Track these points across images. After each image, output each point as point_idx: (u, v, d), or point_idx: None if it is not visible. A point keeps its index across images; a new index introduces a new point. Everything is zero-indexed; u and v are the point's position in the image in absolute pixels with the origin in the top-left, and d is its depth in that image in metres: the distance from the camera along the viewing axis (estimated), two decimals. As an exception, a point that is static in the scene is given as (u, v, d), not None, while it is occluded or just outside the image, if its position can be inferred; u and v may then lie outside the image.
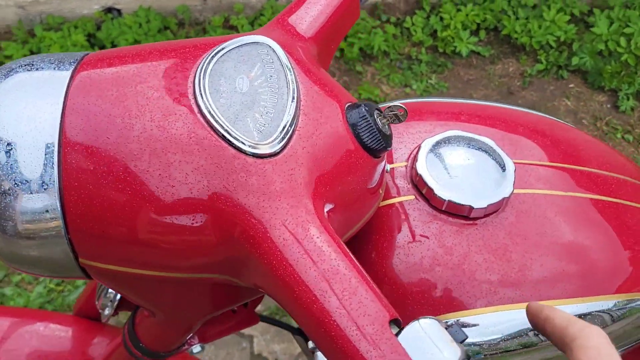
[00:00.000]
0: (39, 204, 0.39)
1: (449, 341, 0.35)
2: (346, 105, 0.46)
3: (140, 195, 0.39)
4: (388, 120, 0.46)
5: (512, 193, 0.53)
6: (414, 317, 0.52)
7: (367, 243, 0.53)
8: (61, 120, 0.39)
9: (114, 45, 1.99)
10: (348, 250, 0.39)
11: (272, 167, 0.40)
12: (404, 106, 0.46)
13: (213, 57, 0.43)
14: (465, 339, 0.35)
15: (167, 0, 2.09)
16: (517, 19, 2.29)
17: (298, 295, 0.37)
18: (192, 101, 0.40)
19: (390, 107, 0.46)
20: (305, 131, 0.42)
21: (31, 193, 0.39)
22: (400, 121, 0.47)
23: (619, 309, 0.55)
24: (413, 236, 0.52)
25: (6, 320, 0.84)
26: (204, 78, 0.41)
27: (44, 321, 0.85)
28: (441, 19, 2.27)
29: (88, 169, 0.39)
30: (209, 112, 0.40)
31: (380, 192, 0.50)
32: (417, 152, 0.55)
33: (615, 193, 0.61)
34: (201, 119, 0.40)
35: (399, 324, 0.36)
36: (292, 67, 0.44)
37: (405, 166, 0.56)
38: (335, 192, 0.43)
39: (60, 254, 0.42)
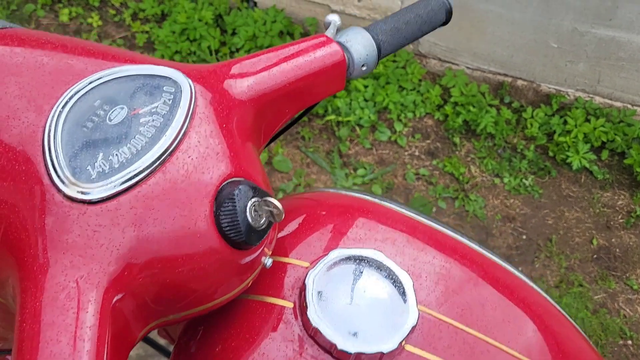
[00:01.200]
0: None
1: None
2: (229, 180, 0.40)
3: None
4: (263, 214, 0.40)
5: (395, 350, 0.44)
6: None
7: (221, 332, 0.47)
8: None
9: (234, 34, 2.05)
10: (106, 336, 0.33)
11: (77, 216, 0.35)
12: (280, 206, 0.39)
13: (107, 77, 0.39)
14: None
15: (300, 9, 2.12)
16: (651, 153, 2.05)
17: (22, 340, 0.32)
18: (46, 113, 0.37)
19: (266, 201, 0.39)
20: (150, 191, 0.37)
21: None
22: (275, 220, 0.40)
23: None
24: (264, 348, 0.45)
25: None
26: (75, 95, 0.38)
27: None
28: (565, 122, 2.09)
29: None
30: (48, 132, 0.36)
31: (241, 284, 0.43)
32: (320, 259, 0.47)
33: None
34: (39, 135, 0.36)
35: None
36: (190, 117, 0.39)
37: (307, 267, 0.49)
38: (158, 267, 0.37)
39: None
